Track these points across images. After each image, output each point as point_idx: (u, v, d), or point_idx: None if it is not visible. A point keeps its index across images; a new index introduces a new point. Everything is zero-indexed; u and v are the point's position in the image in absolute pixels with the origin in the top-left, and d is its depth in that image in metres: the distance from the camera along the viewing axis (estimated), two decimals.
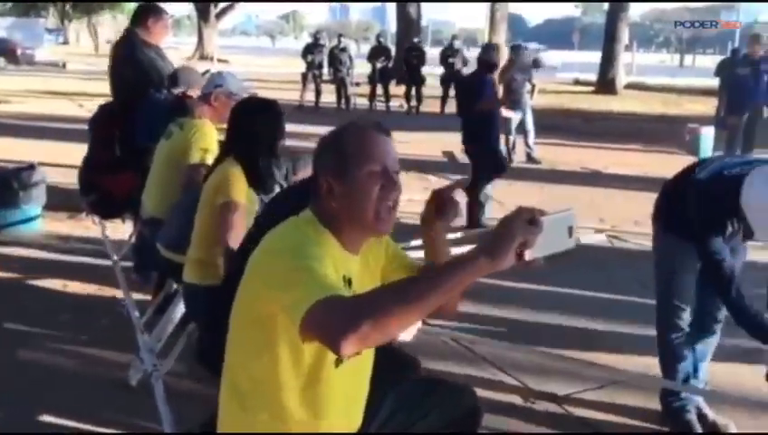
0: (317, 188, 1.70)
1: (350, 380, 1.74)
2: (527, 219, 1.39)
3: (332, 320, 1.38)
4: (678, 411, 2.97)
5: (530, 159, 10.07)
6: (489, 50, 6.88)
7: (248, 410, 1.68)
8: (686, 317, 2.96)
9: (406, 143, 11.21)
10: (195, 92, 3.92)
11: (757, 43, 9.89)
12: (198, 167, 3.35)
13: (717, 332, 3.04)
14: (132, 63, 4.52)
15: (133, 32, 4.67)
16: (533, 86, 10.26)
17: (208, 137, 3.46)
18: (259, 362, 1.64)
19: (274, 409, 1.66)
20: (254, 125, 2.88)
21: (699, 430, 2.92)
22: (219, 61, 33.55)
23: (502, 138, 9.59)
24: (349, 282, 1.68)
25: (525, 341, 3.88)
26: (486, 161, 6.40)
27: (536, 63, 10.94)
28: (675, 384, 3.00)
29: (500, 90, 8.24)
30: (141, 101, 4.26)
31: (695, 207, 2.79)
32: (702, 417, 3.01)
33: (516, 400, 3.25)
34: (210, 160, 3.26)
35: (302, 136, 8.12)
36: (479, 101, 6.35)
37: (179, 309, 3.20)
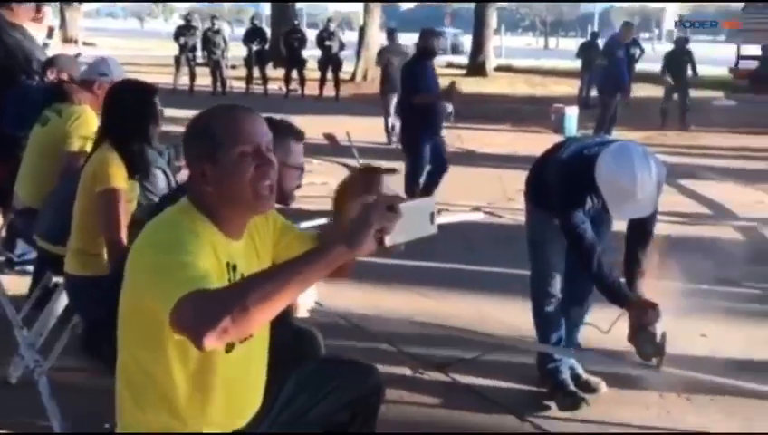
0: (191, 174, 1.68)
1: (243, 364, 1.74)
2: (386, 206, 1.43)
3: (193, 316, 1.37)
4: (553, 372, 3.18)
5: (395, 138, 10.15)
6: (428, 36, 6.38)
7: (142, 404, 1.68)
8: (556, 285, 3.16)
9: None
10: (65, 76, 3.78)
11: (629, 30, 10.61)
12: (78, 155, 3.24)
13: (588, 298, 3.28)
14: None
15: None
16: None
17: (89, 124, 3.35)
18: (148, 356, 1.63)
19: (166, 402, 1.66)
20: (127, 109, 2.82)
21: (573, 388, 3.15)
22: (85, 44, 31.81)
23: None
24: (233, 267, 1.68)
25: (410, 315, 4.03)
26: (419, 156, 6.17)
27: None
28: (549, 347, 3.20)
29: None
30: (11, 88, 4.05)
31: (556, 185, 2.98)
32: (576, 377, 3.24)
33: (407, 372, 3.38)
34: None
35: (178, 121, 7.87)
36: (418, 91, 6.08)
37: (61, 302, 3.10)
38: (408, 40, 11.49)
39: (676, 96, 12.52)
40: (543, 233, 3.14)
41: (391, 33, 10.97)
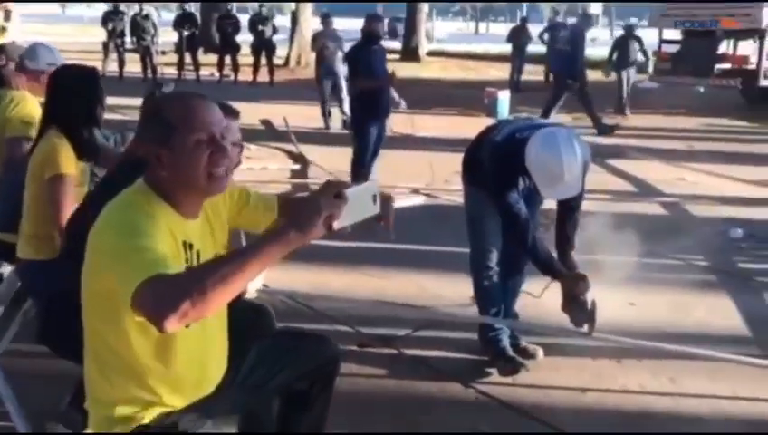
0: (146, 158, 1.73)
1: (202, 337, 1.82)
2: (333, 193, 1.54)
3: (154, 300, 1.43)
4: (494, 341, 3.35)
5: (345, 125, 10.29)
6: (373, 20, 6.56)
7: (109, 378, 1.75)
8: (494, 258, 3.33)
9: None
10: (13, 66, 3.73)
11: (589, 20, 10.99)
12: (20, 140, 3.23)
13: (524, 269, 3.47)
14: None
15: None
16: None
17: (30, 109, 3.33)
18: (111, 332, 1.70)
19: (132, 374, 1.73)
20: (71, 93, 2.84)
21: (512, 354, 3.34)
22: (4, 29, 30.66)
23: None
24: (190, 246, 1.75)
25: (354, 294, 4.17)
26: (364, 139, 6.27)
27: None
28: (488, 319, 3.37)
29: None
30: None
31: (491, 167, 3.15)
32: (515, 345, 3.43)
33: (353, 346, 3.51)
34: (33, 133, 3.16)
35: (109, 108, 7.76)
36: (363, 76, 6.18)
37: (11, 288, 3.10)
38: (341, 25, 11.51)
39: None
40: (481, 210, 3.29)
41: (326, 18, 11.00)
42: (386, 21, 10.95)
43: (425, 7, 22.99)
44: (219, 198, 1.91)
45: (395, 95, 6.98)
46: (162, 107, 1.73)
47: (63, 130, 2.78)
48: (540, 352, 3.45)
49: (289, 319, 3.72)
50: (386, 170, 6.51)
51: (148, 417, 1.77)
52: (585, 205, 3.27)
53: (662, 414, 3.02)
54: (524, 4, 32.05)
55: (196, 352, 1.82)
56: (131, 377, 1.74)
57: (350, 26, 16.87)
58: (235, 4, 19.65)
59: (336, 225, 1.53)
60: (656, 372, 3.34)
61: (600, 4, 30.68)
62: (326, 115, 10.28)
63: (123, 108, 10.21)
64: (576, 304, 3.03)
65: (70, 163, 2.74)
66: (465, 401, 3.10)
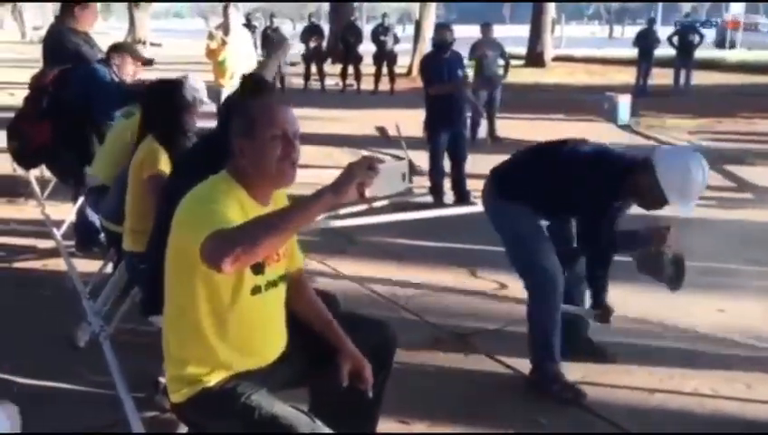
0: (231, 148, 2.04)
1: (264, 309, 2.07)
2: (367, 165, 1.82)
3: (213, 246, 1.76)
4: (548, 362, 3.16)
5: (492, 136, 9.97)
6: (440, 29, 6.83)
7: (179, 337, 2.04)
8: (561, 279, 3.12)
9: (340, 121, 11.54)
10: (128, 59, 4.26)
11: None
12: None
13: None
14: (61, 53, 4.75)
15: (61, 21, 4.90)
16: (507, 62, 10.35)
17: None
18: (183, 292, 2.00)
19: (197, 335, 2.00)
20: (162, 107, 3.22)
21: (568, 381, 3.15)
22: (152, 45, 32.98)
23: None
24: None
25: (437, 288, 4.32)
26: (433, 147, 6.51)
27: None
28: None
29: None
30: (79, 67, 4.54)
31: (590, 184, 2.98)
32: (588, 340, 3.40)
33: (429, 339, 3.66)
34: None
35: None
36: (432, 83, 6.46)
37: (123, 275, 3.50)
38: (467, 33, 11.29)
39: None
40: (532, 225, 3.15)
41: (486, 27, 10.48)
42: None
43: (551, 11, 22.63)
44: (284, 201, 2.19)
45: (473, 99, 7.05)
46: (249, 106, 2.10)
47: (158, 139, 3.14)
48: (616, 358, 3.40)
49: (370, 308, 3.96)
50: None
51: (213, 379, 2.02)
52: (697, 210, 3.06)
53: (732, 420, 2.98)
54: (659, 5, 30.79)
55: (258, 322, 2.07)
56: (198, 338, 2.01)
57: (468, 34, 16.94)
58: (365, 13, 20.15)
59: (368, 192, 1.82)
60: (731, 378, 3.28)
61: (742, 3, 28.88)
62: (476, 126, 9.54)
63: None
64: (662, 259, 3.02)
65: (165, 164, 3.09)
66: (528, 395, 3.16)
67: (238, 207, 1.96)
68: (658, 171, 2.88)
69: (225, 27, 7.10)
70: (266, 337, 2.14)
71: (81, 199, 4.64)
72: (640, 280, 3.29)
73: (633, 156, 3.11)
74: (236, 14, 7.20)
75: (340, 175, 1.81)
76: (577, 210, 3.12)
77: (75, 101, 4.43)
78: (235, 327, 2.02)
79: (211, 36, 7.16)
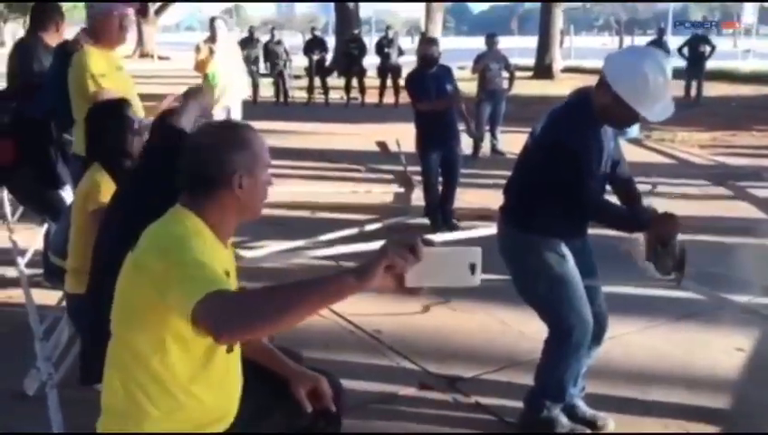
0: (220, 181, 1.76)
1: (235, 366, 1.88)
2: (408, 246, 1.44)
3: (217, 313, 1.47)
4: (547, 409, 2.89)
5: (494, 150, 9.67)
6: (425, 44, 6.42)
7: (138, 397, 1.74)
8: (590, 329, 2.79)
9: (342, 135, 11.26)
10: None
11: None
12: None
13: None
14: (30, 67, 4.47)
15: (36, 36, 4.61)
16: (511, 75, 9.92)
17: None
18: (151, 350, 1.71)
19: (168, 394, 1.74)
20: (103, 130, 2.91)
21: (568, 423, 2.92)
22: (160, 58, 33.06)
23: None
24: (227, 274, 1.75)
25: (432, 328, 3.97)
26: (425, 167, 6.10)
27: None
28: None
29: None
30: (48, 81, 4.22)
31: (561, 158, 2.60)
32: (581, 416, 2.97)
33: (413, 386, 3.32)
34: None
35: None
36: (421, 101, 6.02)
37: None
38: (479, 45, 10.84)
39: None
40: (563, 264, 2.75)
41: (491, 38, 10.13)
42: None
43: (559, 23, 22.36)
44: None
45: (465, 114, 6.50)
46: (250, 138, 1.82)
47: (101, 164, 2.81)
48: (611, 425, 2.96)
49: (353, 350, 3.64)
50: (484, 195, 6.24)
51: None
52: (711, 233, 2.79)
53: None
54: (669, 14, 30.45)
55: (234, 380, 1.88)
56: (163, 400, 1.74)
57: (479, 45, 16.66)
58: (374, 26, 19.96)
59: (408, 281, 1.45)
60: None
61: (756, 4, 28.25)
62: (478, 141, 9.21)
63: (260, 130, 10.52)
64: (663, 250, 2.71)
65: (110, 196, 2.75)
66: None
67: (215, 256, 1.70)
68: (617, 88, 2.54)
69: (211, 40, 6.83)
70: (231, 397, 1.90)
71: (46, 225, 4.32)
72: None
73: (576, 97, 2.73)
74: (224, 27, 6.91)
75: (370, 254, 1.47)
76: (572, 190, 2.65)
77: (40, 117, 4.13)
78: (210, 388, 1.78)
79: (198, 49, 6.89)
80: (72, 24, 5.75)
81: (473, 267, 1.45)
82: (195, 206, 1.77)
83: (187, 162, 1.80)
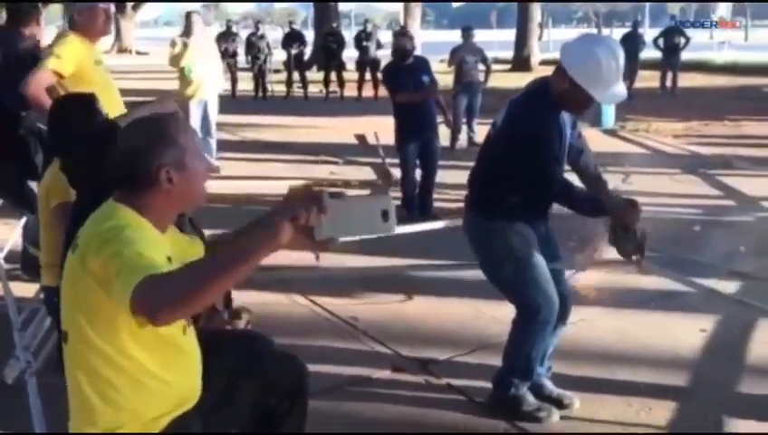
0: (147, 179, 1.75)
1: (193, 345, 1.90)
2: (309, 196, 1.46)
3: (148, 297, 1.49)
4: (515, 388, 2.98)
5: (471, 142, 9.58)
6: (398, 36, 6.55)
7: (104, 392, 1.76)
8: (556, 307, 2.87)
9: (321, 129, 11.29)
10: None
11: None
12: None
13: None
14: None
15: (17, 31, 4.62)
16: (488, 67, 9.92)
17: None
18: (109, 345, 1.72)
19: (133, 386, 1.76)
20: (64, 125, 2.85)
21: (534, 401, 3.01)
22: (138, 53, 32.82)
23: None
24: (169, 259, 1.75)
25: (406, 315, 4.07)
26: (403, 159, 6.17)
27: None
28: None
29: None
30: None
31: (526, 143, 2.70)
32: (548, 395, 3.06)
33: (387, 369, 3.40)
34: None
35: (218, 126, 7.95)
36: (398, 93, 6.10)
37: None
38: (457, 37, 10.87)
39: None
40: (526, 244, 2.84)
41: (466, 31, 10.07)
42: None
43: (537, 16, 22.50)
44: None
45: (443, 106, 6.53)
46: (175, 129, 1.79)
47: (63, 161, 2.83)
48: (576, 403, 3.04)
49: (330, 336, 3.72)
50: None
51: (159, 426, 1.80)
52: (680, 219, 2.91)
53: None
54: (646, 8, 30.75)
55: (194, 360, 1.89)
56: (133, 389, 1.76)
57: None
58: (353, 20, 19.96)
59: (316, 234, 1.45)
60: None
61: (730, 4, 28.81)
62: (455, 132, 9.18)
63: (235, 126, 10.55)
64: (625, 235, 2.86)
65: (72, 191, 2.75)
66: (494, 433, 2.90)
67: (153, 244, 1.70)
68: (572, 73, 2.68)
69: (186, 34, 6.86)
70: (196, 372, 1.92)
71: (24, 218, 4.34)
72: None
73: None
74: (200, 21, 6.94)
75: (273, 209, 1.50)
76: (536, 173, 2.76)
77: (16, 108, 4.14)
78: (170, 369, 1.81)
79: (174, 44, 6.92)
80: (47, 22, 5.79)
81: (385, 214, 1.44)
82: (127, 201, 1.78)
83: (114, 162, 1.79)
